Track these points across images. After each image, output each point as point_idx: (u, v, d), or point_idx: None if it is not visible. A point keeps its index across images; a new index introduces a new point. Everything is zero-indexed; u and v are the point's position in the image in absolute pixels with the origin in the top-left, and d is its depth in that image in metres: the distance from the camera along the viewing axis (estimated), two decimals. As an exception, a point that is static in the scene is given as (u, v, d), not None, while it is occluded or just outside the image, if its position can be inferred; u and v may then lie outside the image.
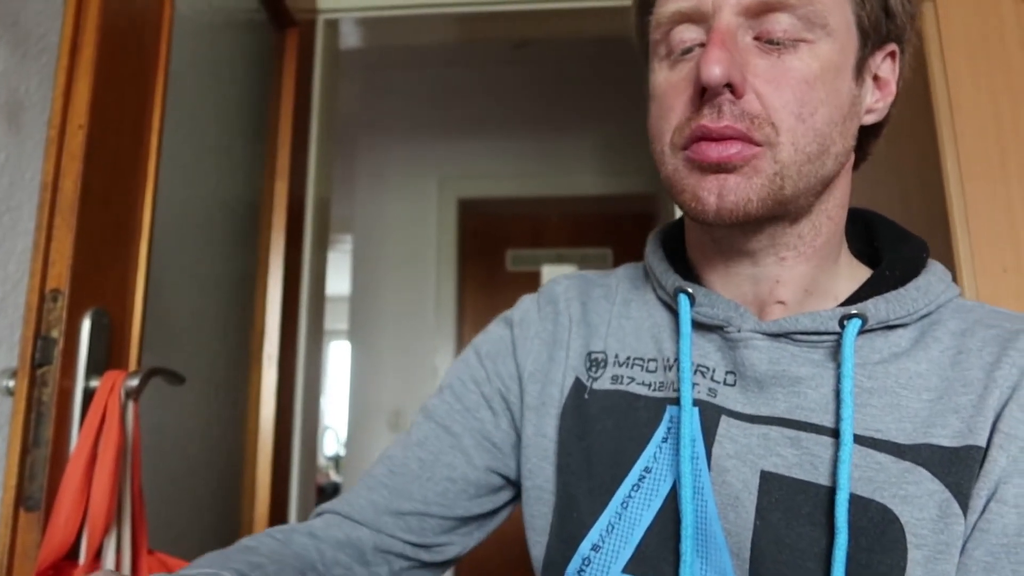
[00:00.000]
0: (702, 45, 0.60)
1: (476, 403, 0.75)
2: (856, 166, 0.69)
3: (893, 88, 0.66)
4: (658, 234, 0.76)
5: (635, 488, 0.63)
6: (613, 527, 0.63)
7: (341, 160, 3.24)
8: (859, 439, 0.58)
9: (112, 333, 1.06)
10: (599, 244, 3.70)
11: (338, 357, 6.45)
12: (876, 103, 0.65)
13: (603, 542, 0.63)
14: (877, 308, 0.61)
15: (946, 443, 0.57)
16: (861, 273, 0.68)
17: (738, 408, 0.62)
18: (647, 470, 0.63)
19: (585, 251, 3.68)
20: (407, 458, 0.74)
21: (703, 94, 0.58)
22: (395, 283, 3.38)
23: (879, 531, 0.55)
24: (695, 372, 0.64)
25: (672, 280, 0.68)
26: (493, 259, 3.69)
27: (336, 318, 4.12)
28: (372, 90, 3.48)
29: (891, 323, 0.61)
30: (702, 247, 0.68)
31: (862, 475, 0.57)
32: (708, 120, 0.57)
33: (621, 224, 3.68)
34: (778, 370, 0.61)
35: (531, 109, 3.42)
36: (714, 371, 0.64)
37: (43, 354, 0.97)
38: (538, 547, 0.69)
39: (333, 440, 5.97)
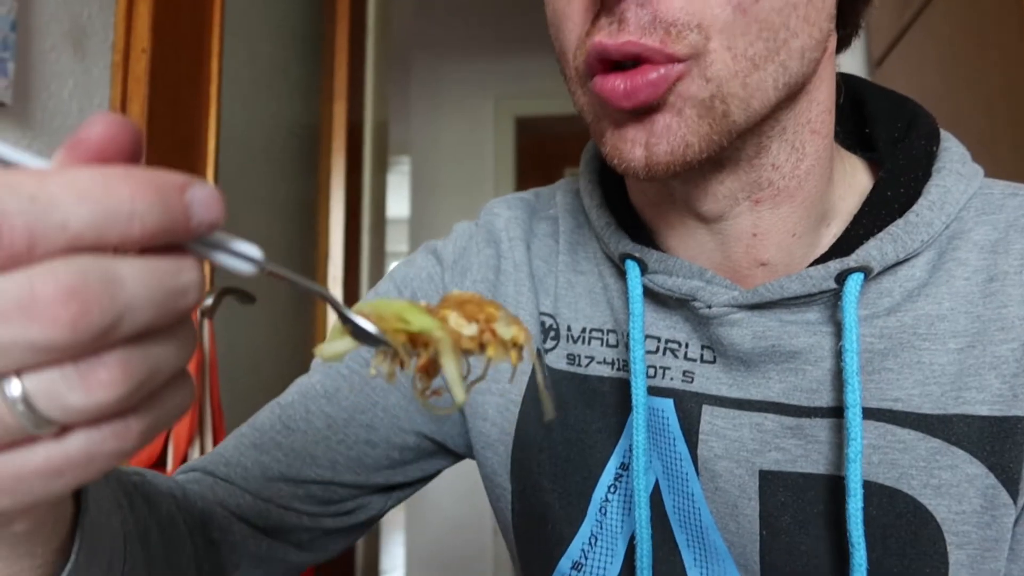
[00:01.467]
0: None
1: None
2: (845, 43, 0.52)
3: None
4: (591, 160, 0.59)
5: (611, 490, 0.52)
6: (596, 539, 0.52)
7: (397, 81, 3.22)
8: (875, 413, 0.46)
9: (184, 255, 1.09)
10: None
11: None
12: None
13: (586, 558, 0.52)
14: (882, 252, 0.45)
15: (985, 411, 0.44)
16: (857, 176, 0.52)
17: (723, 392, 0.49)
18: (623, 467, 0.51)
19: (644, 169, 3.64)
20: (311, 413, 0.57)
21: None
22: (454, 204, 3.39)
23: (911, 531, 0.44)
24: (664, 351, 0.51)
25: (616, 241, 0.52)
26: (551, 177, 3.65)
27: (396, 240, 4.16)
28: (426, 8, 3.42)
29: (900, 260, 0.47)
30: (648, 197, 0.52)
31: (883, 459, 0.45)
32: (605, 35, 0.40)
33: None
34: (767, 345, 0.47)
35: (588, 23, 3.32)
36: (687, 346, 0.50)
37: (121, 276, 1.01)
38: (511, 551, 0.58)
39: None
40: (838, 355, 0.46)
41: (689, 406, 0.50)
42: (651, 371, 0.51)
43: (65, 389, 0.20)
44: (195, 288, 0.23)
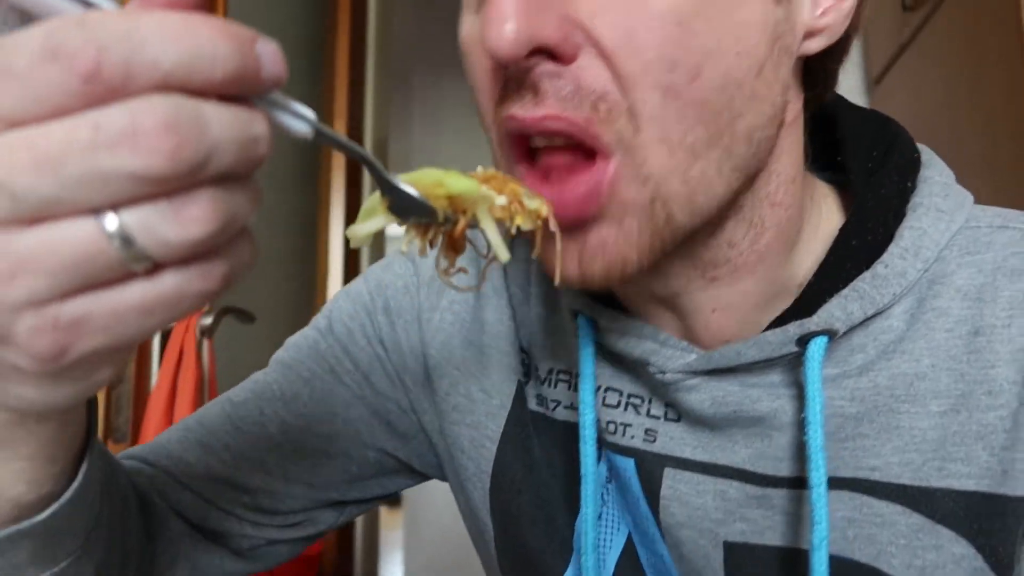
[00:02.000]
0: None
1: (370, 365, 0.54)
2: (809, 106, 0.44)
3: None
4: None
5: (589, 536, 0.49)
6: None
7: (398, 97, 3.23)
8: (850, 483, 0.41)
9: (185, 273, 1.10)
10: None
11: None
12: (823, 16, 0.39)
13: None
14: (847, 311, 0.40)
15: (971, 486, 0.40)
16: (831, 218, 0.45)
17: (686, 454, 0.45)
18: (598, 517, 0.48)
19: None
20: (265, 416, 0.52)
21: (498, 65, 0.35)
22: (453, 220, 3.39)
23: None
24: (626, 406, 0.47)
25: (567, 295, 0.47)
26: (550, 195, 3.67)
27: (395, 256, 4.16)
28: (427, 26, 3.44)
29: (871, 314, 0.41)
30: None
31: (859, 533, 0.41)
32: (519, 107, 0.34)
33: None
34: (728, 411, 0.43)
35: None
36: (650, 402, 0.46)
37: (121, 294, 1.01)
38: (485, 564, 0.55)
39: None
40: (797, 425, 0.42)
41: (650, 468, 0.45)
42: (611, 427, 0.47)
43: (160, 223, 0.21)
44: (265, 139, 0.24)
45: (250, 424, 0.53)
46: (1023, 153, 1.00)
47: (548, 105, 0.34)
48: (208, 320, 1.01)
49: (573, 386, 0.49)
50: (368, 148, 2.01)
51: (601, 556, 0.48)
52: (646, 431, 0.46)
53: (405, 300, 0.55)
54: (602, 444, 0.48)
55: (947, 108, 1.22)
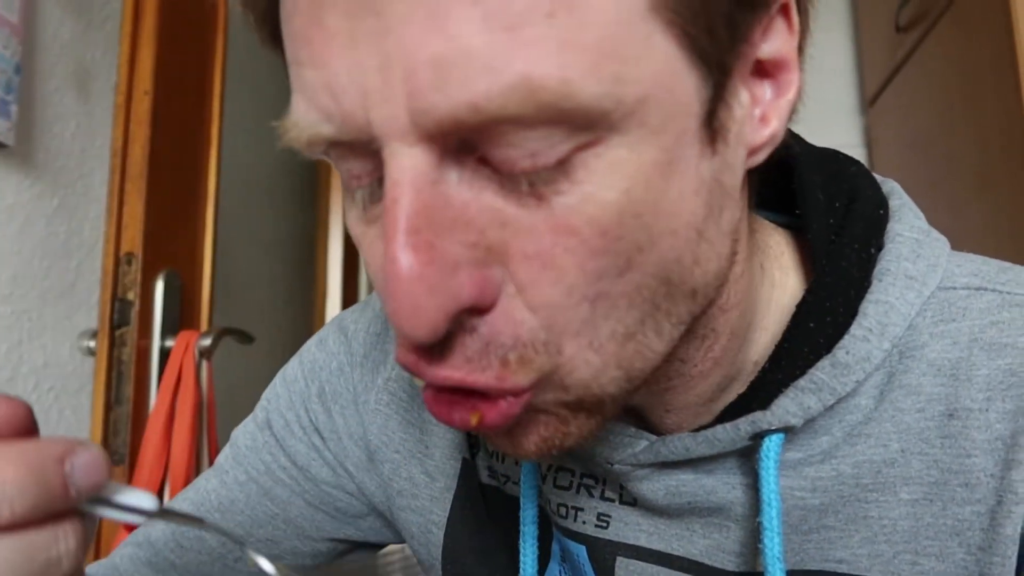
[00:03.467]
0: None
1: (307, 458, 0.51)
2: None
3: (795, 76, 0.33)
4: None
5: None
6: None
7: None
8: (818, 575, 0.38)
9: (184, 294, 1.09)
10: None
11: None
12: (764, 125, 0.33)
13: None
14: (803, 405, 0.36)
15: None
16: (787, 287, 0.41)
17: (641, 541, 0.42)
18: None
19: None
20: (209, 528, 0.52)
21: None
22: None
23: None
24: (579, 488, 0.43)
25: None
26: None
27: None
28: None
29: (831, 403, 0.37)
30: None
31: None
32: (434, 369, 0.29)
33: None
34: (683, 501, 0.40)
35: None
36: (604, 484, 0.43)
37: (121, 315, 1.00)
38: None
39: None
40: (752, 514, 0.39)
41: (603, 555, 0.42)
42: (563, 511, 0.44)
43: None
44: (70, 556, 0.24)
45: (191, 540, 0.51)
46: (1018, 171, 1.01)
47: (452, 364, 0.29)
48: (207, 341, 1.01)
49: (518, 460, 0.45)
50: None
51: None
52: (599, 515, 0.43)
53: (340, 382, 0.51)
54: (552, 526, 0.45)
55: (942, 128, 1.23)
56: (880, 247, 0.38)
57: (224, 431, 1.11)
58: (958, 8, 1.16)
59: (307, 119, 0.29)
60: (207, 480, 0.53)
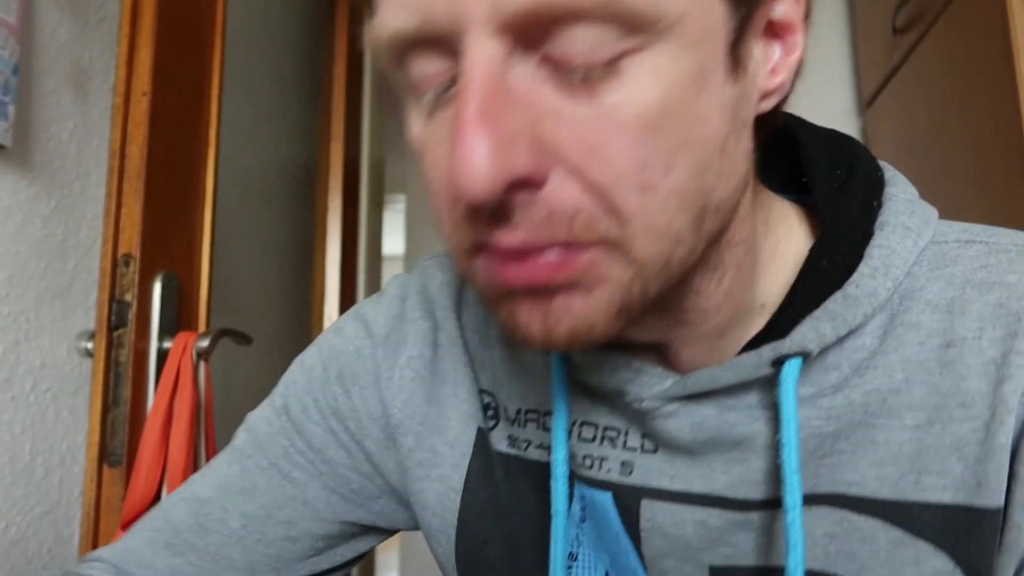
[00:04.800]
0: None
1: (323, 441, 0.54)
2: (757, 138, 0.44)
3: (800, 37, 0.39)
4: None
5: None
6: None
7: (393, 120, 3.25)
8: (830, 499, 0.42)
9: (181, 296, 1.09)
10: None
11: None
12: (774, 76, 0.39)
13: None
14: (820, 332, 0.40)
15: (948, 499, 0.40)
16: (792, 241, 0.46)
17: (664, 484, 0.45)
18: (572, 557, 0.48)
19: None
20: (227, 512, 0.54)
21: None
22: (449, 242, 3.40)
23: None
24: (602, 439, 0.47)
25: None
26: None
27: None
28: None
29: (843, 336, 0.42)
30: None
31: (841, 548, 0.41)
32: (499, 235, 0.33)
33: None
34: (707, 437, 0.43)
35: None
36: (627, 434, 0.46)
37: (118, 317, 1.00)
38: None
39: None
40: (774, 448, 0.42)
41: (628, 501, 0.45)
42: (588, 462, 0.47)
43: None
44: None
45: (214, 521, 0.53)
46: (1013, 173, 1.01)
47: (522, 230, 0.33)
48: (204, 342, 1.01)
49: (542, 425, 0.49)
50: (364, 171, 2.02)
51: None
52: (622, 464, 0.46)
53: (359, 365, 0.54)
54: (575, 481, 0.48)
55: (938, 129, 1.23)
56: (880, 204, 0.44)
57: (222, 432, 1.11)
58: (955, 10, 1.16)
59: (392, 17, 0.34)
60: (228, 465, 0.55)
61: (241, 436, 0.57)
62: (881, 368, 0.41)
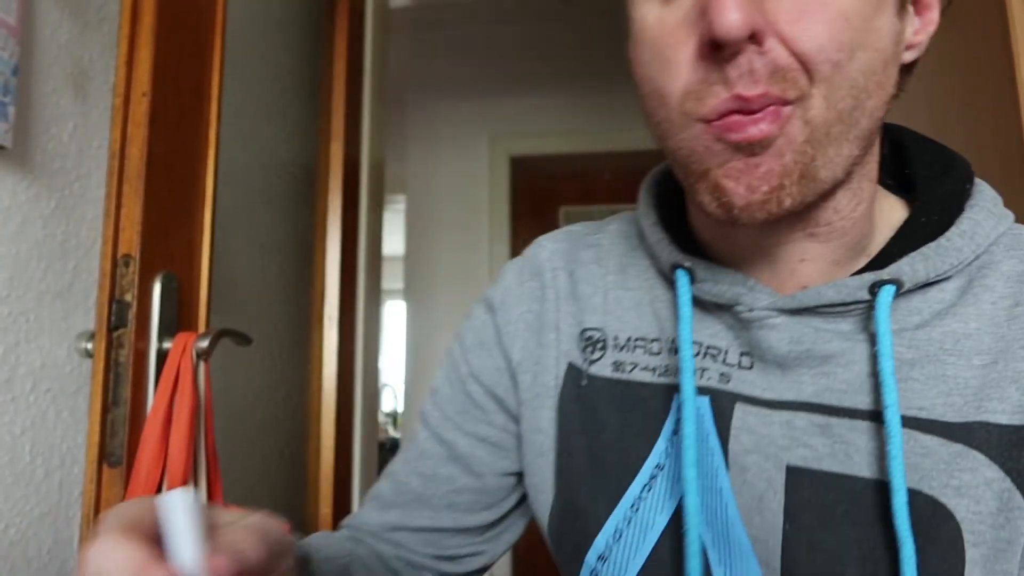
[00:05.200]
0: None
1: (464, 404, 0.67)
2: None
3: (936, 15, 0.52)
4: (651, 186, 0.63)
5: (646, 489, 0.55)
6: (621, 534, 0.55)
7: (393, 120, 3.25)
8: (901, 420, 0.49)
9: (181, 296, 1.09)
10: (653, 199, 3.65)
11: (393, 316, 6.55)
12: (917, 36, 0.51)
13: (610, 551, 0.55)
14: (914, 268, 0.49)
15: (1004, 420, 0.47)
16: (894, 212, 0.55)
17: (756, 393, 0.53)
18: (659, 467, 0.55)
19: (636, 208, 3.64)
20: (408, 474, 0.68)
21: (715, 47, 0.44)
22: (449, 242, 3.40)
23: (932, 529, 0.47)
24: (704, 355, 0.55)
25: (667, 253, 0.57)
26: (546, 217, 3.68)
27: (391, 278, 4.17)
28: (422, 49, 3.47)
29: (931, 280, 0.50)
30: (707, 225, 0.57)
31: (906, 462, 0.48)
32: (743, 87, 0.43)
33: (675, 178, 3.63)
34: (802, 350, 0.51)
35: (582, 63, 3.37)
36: (727, 352, 0.54)
37: (118, 317, 1.00)
38: (551, 549, 0.62)
39: (391, 397, 6.10)
40: (871, 360, 0.50)
41: (723, 404, 0.53)
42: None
43: None
44: None
45: (401, 482, 0.68)
46: (1013, 172, 1.01)
47: (762, 83, 0.43)
48: (204, 343, 1.01)
49: (648, 350, 0.58)
50: (364, 171, 2.02)
51: (659, 504, 0.54)
52: (720, 375, 0.54)
53: (484, 333, 0.67)
54: (674, 393, 0.56)
55: (937, 130, 1.23)
56: (970, 191, 0.53)
57: (221, 432, 1.11)
58: (954, 10, 1.16)
59: None
60: (410, 445, 0.69)
61: (430, 422, 0.69)
62: (958, 316, 0.50)
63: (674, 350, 0.56)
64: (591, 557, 0.55)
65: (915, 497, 0.47)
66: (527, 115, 3.44)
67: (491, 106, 3.45)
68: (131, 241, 1.02)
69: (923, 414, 0.48)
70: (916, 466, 0.48)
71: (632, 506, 0.55)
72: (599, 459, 0.57)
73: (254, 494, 1.47)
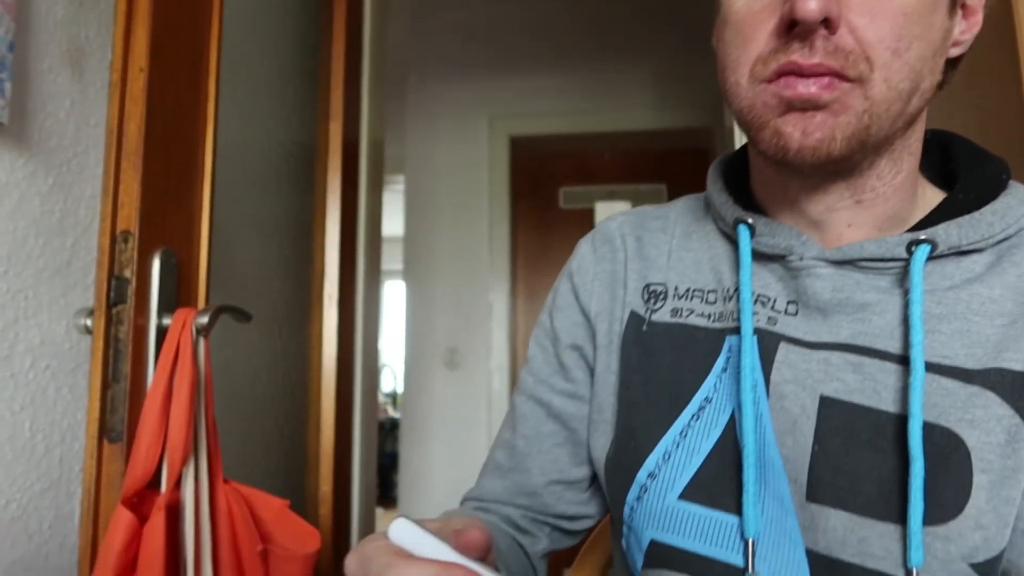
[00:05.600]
0: None
1: (555, 366, 0.76)
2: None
3: (979, 18, 0.61)
4: (719, 164, 0.74)
5: (694, 418, 0.63)
6: (669, 455, 0.63)
7: (392, 101, 3.23)
8: (927, 366, 0.56)
9: (180, 273, 1.09)
10: (653, 180, 3.64)
11: (393, 296, 6.56)
12: (962, 35, 0.60)
13: (659, 470, 0.63)
14: (948, 233, 0.58)
15: (1018, 367, 0.55)
16: (936, 197, 0.64)
17: (799, 335, 0.61)
18: (707, 400, 0.63)
19: (638, 187, 3.63)
20: (516, 438, 0.77)
21: (791, 26, 0.53)
22: (448, 222, 3.39)
23: (944, 456, 0.54)
24: (756, 301, 0.63)
25: (732, 211, 0.66)
26: (546, 197, 3.67)
27: (390, 258, 4.17)
28: (421, 29, 3.44)
29: (964, 248, 0.59)
30: (768, 185, 0.66)
31: (927, 400, 0.55)
32: (799, 56, 0.53)
33: (675, 159, 3.62)
34: (842, 297, 0.60)
35: (581, 44, 3.35)
36: (775, 301, 0.63)
37: (117, 293, 1.00)
38: (601, 479, 0.70)
39: (390, 378, 6.11)
40: (903, 311, 0.58)
41: (769, 341, 0.61)
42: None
43: None
44: None
45: (511, 447, 0.76)
46: (1017, 161, 1.01)
47: (818, 56, 0.53)
48: (204, 319, 1.01)
49: (706, 299, 0.67)
50: (364, 151, 2.02)
51: (705, 432, 0.62)
52: (768, 318, 0.62)
53: (566, 296, 0.76)
54: (727, 335, 0.64)
55: (941, 118, 1.22)
56: (1007, 181, 0.61)
57: (220, 410, 1.11)
58: None
59: None
60: (512, 413, 0.78)
61: (528, 386, 0.78)
62: (985, 284, 0.58)
63: (729, 299, 0.65)
64: (642, 475, 0.63)
65: (931, 429, 0.54)
66: (526, 95, 3.42)
67: (490, 86, 3.43)
68: (130, 217, 1.01)
69: (946, 361, 0.56)
70: (935, 404, 0.55)
71: (681, 432, 0.63)
72: (654, 392, 0.65)
73: (253, 471, 1.48)
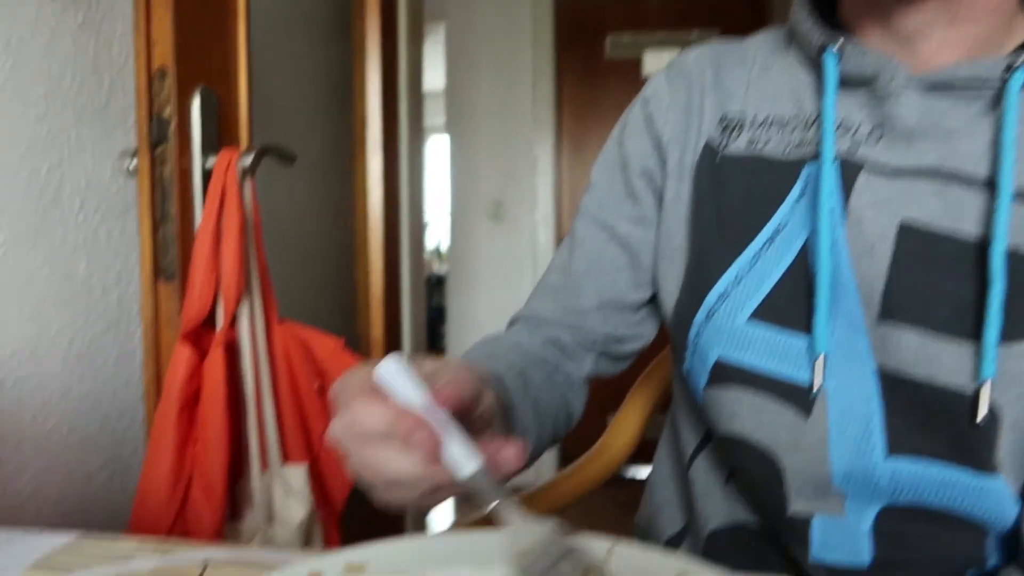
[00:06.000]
0: None
1: (622, 190, 0.75)
2: None
3: None
4: None
5: (767, 244, 0.63)
6: (741, 279, 0.62)
7: (429, 39, 3.07)
8: (1013, 192, 0.54)
9: (221, 112, 1.07)
10: (705, 25, 3.43)
11: (436, 151, 6.49)
12: None
13: (730, 291, 0.63)
14: None
15: None
16: None
17: (881, 160, 0.59)
18: (781, 227, 0.62)
19: (690, 34, 3.45)
20: (573, 258, 0.76)
21: None
22: (491, 74, 3.28)
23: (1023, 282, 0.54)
24: (837, 128, 0.61)
25: (818, 36, 0.63)
26: (592, 46, 3.51)
27: (433, 112, 4.08)
28: None
29: None
30: (856, 8, 0.63)
31: (1012, 226, 0.54)
32: None
33: (730, 3, 3.40)
34: (930, 122, 0.57)
35: None
36: (858, 127, 0.61)
37: (159, 133, 0.99)
38: (668, 305, 0.70)
39: (434, 234, 6.15)
40: (994, 135, 0.55)
41: (850, 168, 0.59)
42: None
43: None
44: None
45: (567, 267, 0.76)
46: None
47: None
48: (248, 159, 0.99)
49: (785, 129, 0.65)
50: (403, 90, 1.95)
51: (778, 257, 0.62)
52: (850, 145, 0.60)
53: (638, 122, 0.74)
54: (804, 165, 0.62)
55: None
56: None
57: (272, 252, 1.12)
58: None
59: None
60: (570, 236, 0.78)
61: (591, 208, 0.77)
62: None
63: (809, 127, 0.63)
64: (711, 297, 0.63)
65: (1014, 256, 0.54)
66: (571, -68, 3.22)
67: (533, -77, 3.23)
68: (165, 54, 0.98)
69: None
70: (1019, 229, 0.54)
71: (753, 257, 0.62)
72: (726, 220, 0.65)
73: (307, 314, 1.51)
